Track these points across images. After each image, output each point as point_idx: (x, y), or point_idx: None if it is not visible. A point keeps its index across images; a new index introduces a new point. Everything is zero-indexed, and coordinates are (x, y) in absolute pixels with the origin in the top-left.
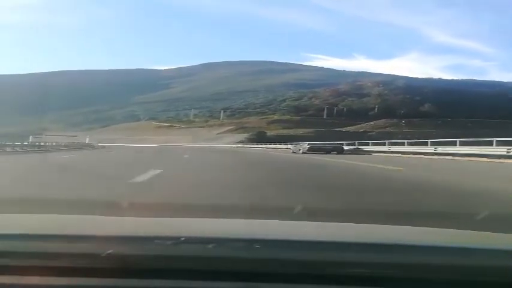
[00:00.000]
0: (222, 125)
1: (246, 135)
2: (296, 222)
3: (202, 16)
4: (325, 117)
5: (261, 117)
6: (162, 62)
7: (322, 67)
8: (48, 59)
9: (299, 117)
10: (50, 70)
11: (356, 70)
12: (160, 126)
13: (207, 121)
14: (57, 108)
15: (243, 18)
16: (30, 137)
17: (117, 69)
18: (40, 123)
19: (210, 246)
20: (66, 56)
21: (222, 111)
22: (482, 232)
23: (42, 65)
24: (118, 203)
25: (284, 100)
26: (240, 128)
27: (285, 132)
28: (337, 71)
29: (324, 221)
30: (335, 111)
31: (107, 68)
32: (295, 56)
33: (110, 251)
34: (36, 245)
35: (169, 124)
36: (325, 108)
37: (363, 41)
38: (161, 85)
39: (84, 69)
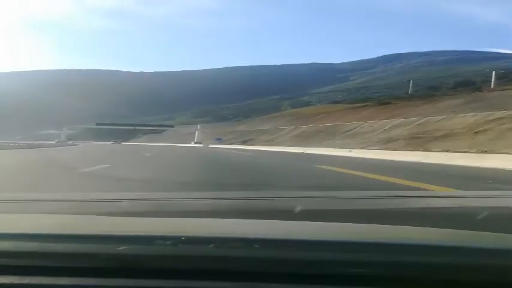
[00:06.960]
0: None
1: None
2: (296, 222)
3: (381, 11)
4: None
5: None
6: (338, 56)
7: None
8: (220, 58)
9: None
10: (220, 66)
11: None
12: (353, 108)
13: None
14: (215, 101)
15: (421, 11)
16: (62, 135)
17: (288, 64)
18: (184, 117)
19: (210, 246)
20: (236, 55)
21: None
22: (482, 232)
23: (214, 63)
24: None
25: None
26: None
27: None
28: None
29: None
30: None
31: (278, 64)
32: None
33: (110, 251)
34: (36, 245)
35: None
36: None
37: None
38: (338, 78)
39: (255, 64)
